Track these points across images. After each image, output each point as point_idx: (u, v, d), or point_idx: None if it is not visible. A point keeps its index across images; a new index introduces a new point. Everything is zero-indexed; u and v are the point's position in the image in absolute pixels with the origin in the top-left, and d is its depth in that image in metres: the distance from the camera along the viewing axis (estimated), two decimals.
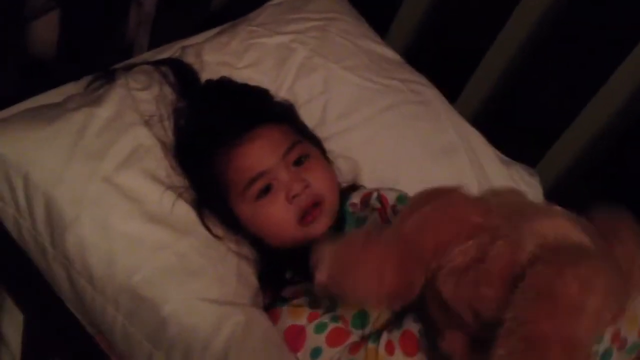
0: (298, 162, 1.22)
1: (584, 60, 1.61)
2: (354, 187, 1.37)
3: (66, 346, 1.07)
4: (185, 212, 1.19)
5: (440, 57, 1.79)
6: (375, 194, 1.30)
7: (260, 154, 1.20)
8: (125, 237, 1.13)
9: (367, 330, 1.13)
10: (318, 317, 1.14)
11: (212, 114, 1.27)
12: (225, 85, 1.36)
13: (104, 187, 1.15)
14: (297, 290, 1.18)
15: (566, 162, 1.77)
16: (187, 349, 1.08)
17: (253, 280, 1.22)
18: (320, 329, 1.12)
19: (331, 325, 1.12)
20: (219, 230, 1.21)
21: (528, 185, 1.56)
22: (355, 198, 1.32)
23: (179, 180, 1.23)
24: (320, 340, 1.12)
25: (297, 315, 1.15)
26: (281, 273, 1.22)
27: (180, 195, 1.20)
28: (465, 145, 1.53)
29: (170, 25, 1.55)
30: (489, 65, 1.75)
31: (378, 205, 1.29)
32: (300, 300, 1.16)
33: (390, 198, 1.28)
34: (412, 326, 1.06)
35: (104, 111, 1.22)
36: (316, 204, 1.20)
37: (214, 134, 1.24)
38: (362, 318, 1.13)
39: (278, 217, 1.19)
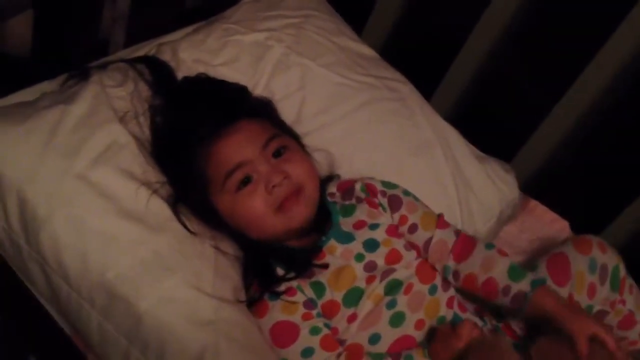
0: (277, 154, 1.23)
1: (557, 56, 1.63)
2: (330, 178, 1.39)
3: (42, 344, 1.07)
4: (160, 208, 1.19)
5: (416, 54, 1.80)
6: (359, 185, 1.33)
7: (239, 146, 1.21)
8: (99, 234, 1.12)
9: (362, 304, 1.18)
10: (312, 317, 1.17)
11: (191, 110, 1.27)
12: (203, 81, 1.36)
13: (78, 184, 1.15)
14: (290, 286, 1.19)
15: (541, 157, 1.79)
16: (163, 345, 1.08)
17: (232, 275, 1.22)
18: (315, 331, 1.15)
19: (325, 331, 1.16)
20: (195, 226, 1.21)
21: (503, 181, 1.57)
22: (332, 188, 1.35)
23: (154, 177, 1.23)
24: (314, 341, 1.14)
25: (290, 312, 1.17)
26: (269, 266, 1.22)
27: (155, 192, 1.20)
28: (441, 140, 1.53)
29: (146, 23, 1.55)
30: (465, 62, 1.77)
31: (364, 195, 1.32)
32: (294, 297, 1.18)
33: (377, 185, 1.33)
34: None
35: (78, 108, 1.22)
36: (295, 192, 1.21)
37: (193, 129, 1.24)
38: (355, 295, 1.18)
39: (257, 207, 1.20)
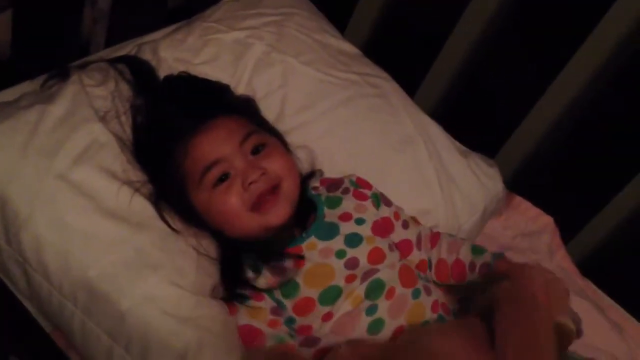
0: (255, 151, 1.22)
1: (540, 49, 1.64)
2: (312, 174, 1.39)
3: (22, 344, 1.07)
4: (142, 207, 1.19)
5: (399, 50, 1.81)
6: (348, 179, 1.34)
7: (216, 142, 1.20)
8: (80, 233, 1.12)
9: (339, 304, 1.16)
10: (279, 325, 1.15)
11: (171, 107, 1.26)
12: (184, 80, 1.36)
13: (58, 183, 1.14)
14: (258, 293, 1.17)
15: (524, 153, 1.79)
16: (146, 342, 1.09)
17: (213, 272, 1.21)
18: (280, 341, 1.14)
19: (290, 343, 1.14)
20: (177, 224, 1.21)
21: (487, 175, 1.57)
22: (315, 182, 1.35)
23: (135, 175, 1.23)
24: None
25: (255, 316, 1.16)
26: (239, 267, 1.21)
27: (137, 190, 1.20)
28: (424, 136, 1.53)
29: (127, 23, 1.55)
30: (447, 58, 1.77)
31: (352, 187, 1.32)
32: (261, 302, 1.16)
33: (368, 180, 1.35)
34: None
35: (57, 108, 1.21)
36: (273, 188, 1.20)
37: (172, 126, 1.24)
38: (332, 294, 1.16)
39: (233, 204, 1.18)
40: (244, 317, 1.16)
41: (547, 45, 1.63)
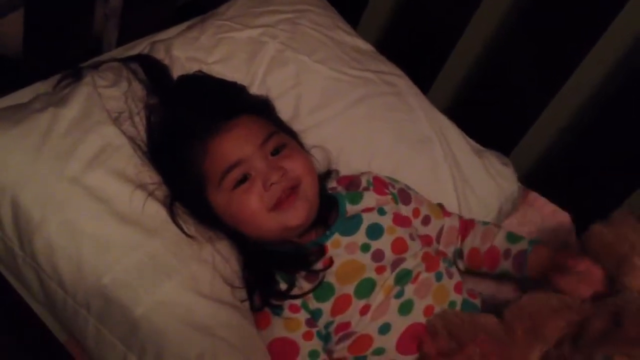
0: (275, 152, 1.21)
1: (555, 47, 1.61)
2: (328, 173, 1.38)
3: (34, 353, 1.06)
4: (156, 211, 1.18)
5: (413, 46, 1.79)
6: (365, 178, 1.34)
7: (237, 143, 1.19)
8: (93, 239, 1.11)
9: (374, 295, 1.17)
10: (313, 337, 1.16)
11: (189, 107, 1.25)
12: (201, 79, 1.35)
13: (72, 188, 1.13)
14: (293, 304, 1.17)
15: (540, 148, 1.78)
16: (161, 350, 1.08)
17: (230, 277, 1.20)
18: (313, 355, 1.14)
19: (322, 356, 1.15)
20: (191, 229, 1.20)
21: (501, 175, 1.56)
22: (332, 183, 1.35)
23: (149, 178, 1.21)
24: None
25: (292, 328, 1.16)
26: (271, 277, 1.20)
27: (151, 194, 1.19)
28: (439, 135, 1.52)
29: (139, 20, 1.53)
30: (462, 54, 1.75)
31: (371, 187, 1.32)
32: (297, 314, 1.16)
33: (384, 178, 1.35)
34: None
35: (70, 111, 1.20)
36: (292, 188, 1.19)
37: (191, 126, 1.22)
38: (367, 286, 1.18)
39: (254, 205, 1.17)
40: (279, 329, 1.16)
41: (563, 41, 1.61)
